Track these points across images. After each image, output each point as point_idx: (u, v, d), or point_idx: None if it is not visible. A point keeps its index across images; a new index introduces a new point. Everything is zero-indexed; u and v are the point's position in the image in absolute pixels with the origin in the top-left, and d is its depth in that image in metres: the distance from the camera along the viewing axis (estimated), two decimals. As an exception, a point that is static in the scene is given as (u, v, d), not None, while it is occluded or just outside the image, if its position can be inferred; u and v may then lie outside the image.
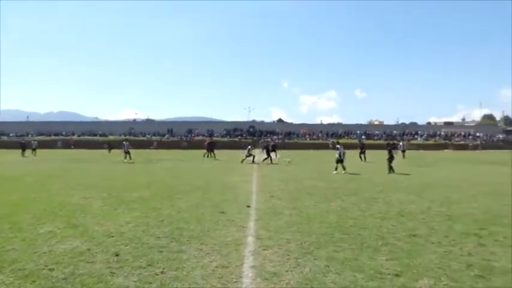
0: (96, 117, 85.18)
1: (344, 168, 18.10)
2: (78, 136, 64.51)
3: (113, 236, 6.21)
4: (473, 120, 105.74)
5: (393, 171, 17.85)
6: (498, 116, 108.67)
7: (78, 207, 8.88)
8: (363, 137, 65.19)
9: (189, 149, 51.20)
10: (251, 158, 25.75)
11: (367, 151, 28.73)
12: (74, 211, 8.33)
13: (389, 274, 4.53)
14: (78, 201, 9.66)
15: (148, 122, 78.76)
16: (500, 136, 72.83)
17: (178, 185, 13.10)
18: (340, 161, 18.39)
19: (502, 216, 7.97)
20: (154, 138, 64.22)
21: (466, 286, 4.19)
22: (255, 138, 64.93)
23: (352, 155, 27.05)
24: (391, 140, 43.26)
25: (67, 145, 58.15)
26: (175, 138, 64.39)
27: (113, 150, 41.08)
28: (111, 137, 62.62)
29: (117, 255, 5.19)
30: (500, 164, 26.01)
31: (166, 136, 66.35)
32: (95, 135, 65.36)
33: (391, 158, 18.46)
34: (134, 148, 41.55)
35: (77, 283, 4.24)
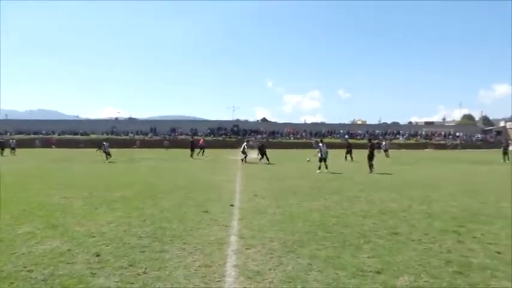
0: (77, 116, 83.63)
1: (327, 167, 18.26)
2: (59, 135, 63.25)
3: (93, 236, 6.11)
4: (453, 120, 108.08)
5: (373, 169, 18.04)
6: (477, 116, 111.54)
7: (58, 207, 8.71)
8: (346, 136, 65.95)
9: (172, 148, 50.78)
10: (244, 156, 25.63)
11: (353, 150, 28.93)
12: (54, 211, 8.17)
13: (370, 271, 4.58)
14: (58, 201, 9.47)
15: (131, 120, 77.78)
16: (479, 136, 74.62)
17: (161, 185, 12.99)
18: (323, 159, 18.53)
19: (479, 214, 8.17)
20: (137, 137, 63.50)
21: (445, 282, 4.28)
22: (239, 137, 64.94)
23: (336, 155, 27.35)
24: (374, 139, 43.81)
25: (47, 144, 56.91)
26: (158, 137, 63.76)
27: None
28: (92, 136, 61.70)
29: (98, 255, 5.11)
30: (479, 163, 26.66)
31: (150, 135, 65.70)
32: (76, 134, 64.21)
33: (371, 156, 18.62)
34: (117, 147, 41.22)
35: (57, 284, 4.16)
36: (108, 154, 26.65)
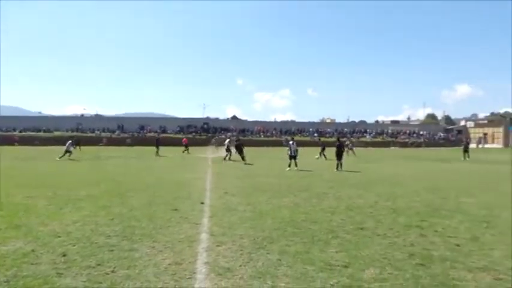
0: (40, 112, 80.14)
1: (296, 165, 18.51)
2: (20, 132, 60.60)
3: (59, 236, 5.94)
4: (418, 119, 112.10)
5: (341, 168, 18.41)
6: (440, 116, 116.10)
7: (21, 207, 8.37)
8: (316, 134, 66.97)
9: (139, 146, 49.83)
10: (228, 154, 25.21)
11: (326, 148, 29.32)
12: (17, 211, 7.85)
13: (338, 265, 4.72)
14: (21, 201, 9.11)
15: (97, 117, 75.65)
16: (441, 134, 77.68)
17: (129, 183, 12.76)
18: (293, 157, 18.77)
19: (441, 209, 8.55)
20: (103, 134, 61.81)
21: (408, 274, 4.46)
22: (209, 135, 64.57)
23: (307, 152, 27.72)
24: (342, 137, 44.86)
25: (9, 141, 54.31)
26: (126, 135, 62.34)
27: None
28: (56, 133, 59.59)
29: (64, 255, 4.98)
30: (441, 161, 27.79)
31: (117, 133, 64.14)
32: (39, 131, 61.68)
33: (340, 154, 18.99)
34: (82, 145, 39.90)
35: (21, 285, 4.03)
36: (69, 153, 25.66)
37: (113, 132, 64.08)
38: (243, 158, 23.38)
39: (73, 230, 6.36)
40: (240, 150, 23.91)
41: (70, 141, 27.03)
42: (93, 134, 61.51)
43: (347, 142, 37.48)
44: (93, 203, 8.80)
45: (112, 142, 57.17)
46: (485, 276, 4.44)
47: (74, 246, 5.43)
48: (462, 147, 31.93)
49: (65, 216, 7.38)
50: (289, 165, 18.57)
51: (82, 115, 77.74)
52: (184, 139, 39.15)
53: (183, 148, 35.36)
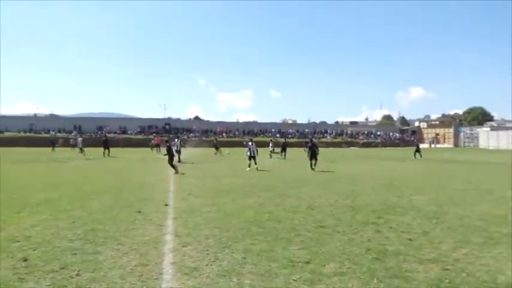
0: (-11, 112, 75.68)
1: (255, 164, 19.02)
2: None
3: (18, 241, 5.78)
4: (375, 120, 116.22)
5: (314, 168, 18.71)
6: (395, 117, 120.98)
7: (-27, 211, 8.00)
8: (278, 135, 67.79)
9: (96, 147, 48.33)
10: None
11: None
12: (-31, 216, 7.50)
13: (300, 262, 4.95)
14: (-28, 206, 8.69)
15: (52, 117, 72.58)
16: (397, 135, 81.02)
17: (89, 185, 12.45)
18: (252, 157, 19.31)
19: (395, 206, 9.06)
20: (59, 135, 59.33)
21: (365, 268, 4.76)
22: (171, 135, 63.64)
23: (265, 152, 28.13)
24: (308, 138, 46.34)
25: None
26: (85, 136, 60.17)
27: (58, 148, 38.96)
28: (7, 134, 56.58)
29: (25, 260, 4.88)
30: (396, 160, 29.08)
31: (74, 133, 61.80)
32: (-13, 131, 58.24)
33: (314, 154, 19.02)
34: (34, 146, 38.30)
35: (-20, 292, 3.94)
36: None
37: (70, 133, 61.70)
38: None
39: (33, 234, 6.20)
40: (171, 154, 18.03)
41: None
42: (48, 135, 58.90)
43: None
44: (52, 207, 8.56)
45: (69, 143, 55.00)
46: (434, 267, 4.82)
47: (35, 250, 5.32)
48: (414, 148, 33.81)
49: (22, 220, 7.15)
50: (249, 166, 19.09)
51: (35, 115, 74.27)
52: (156, 139, 40.73)
53: (148, 149, 37.60)
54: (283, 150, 29.91)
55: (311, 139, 22.46)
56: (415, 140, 39.02)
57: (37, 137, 53.20)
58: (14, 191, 10.97)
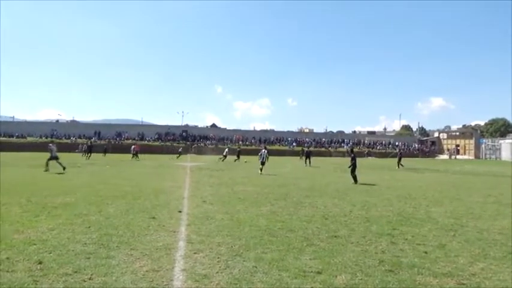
0: (13, 117, 77.78)
1: (262, 170, 21.75)
2: (-8, 137, 58.69)
3: (35, 244, 5.90)
4: (394, 130, 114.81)
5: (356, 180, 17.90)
6: (414, 127, 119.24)
7: (-7, 214, 8.22)
8: (294, 144, 67.63)
9: (115, 154, 49.17)
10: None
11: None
12: (-11, 218, 7.71)
13: (311, 272, 4.90)
14: (-7, 208, 8.93)
15: (73, 123, 74.23)
16: (416, 145, 79.77)
17: (106, 190, 12.64)
18: (263, 163, 22.01)
19: (411, 217, 8.89)
20: (79, 141, 60.59)
21: (377, 280, 4.68)
22: (188, 143, 64.25)
23: (287, 160, 28.03)
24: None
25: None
26: (103, 142, 61.31)
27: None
28: (29, 139, 58.12)
29: (40, 263, 4.97)
30: (415, 171, 28.57)
31: (93, 139, 63.02)
32: (12, 136, 60.01)
33: (354, 167, 17.90)
34: (57, 152, 39.08)
35: (-5, 293, 4.03)
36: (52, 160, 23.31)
37: (90, 139, 62.97)
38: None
39: (49, 237, 6.32)
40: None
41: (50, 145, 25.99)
42: (69, 141, 60.29)
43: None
44: (69, 211, 8.72)
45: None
46: (449, 281, 4.70)
47: (50, 253, 5.42)
48: (397, 158, 34.42)
49: (40, 224, 7.30)
50: (261, 170, 21.70)
51: (57, 121, 76.11)
52: (136, 145, 42.00)
53: (167, 156, 39.35)
54: (307, 157, 32.43)
55: (351, 149, 20.41)
56: (400, 151, 39.20)
57: (59, 142, 54.32)
58: (34, 194, 11.22)
